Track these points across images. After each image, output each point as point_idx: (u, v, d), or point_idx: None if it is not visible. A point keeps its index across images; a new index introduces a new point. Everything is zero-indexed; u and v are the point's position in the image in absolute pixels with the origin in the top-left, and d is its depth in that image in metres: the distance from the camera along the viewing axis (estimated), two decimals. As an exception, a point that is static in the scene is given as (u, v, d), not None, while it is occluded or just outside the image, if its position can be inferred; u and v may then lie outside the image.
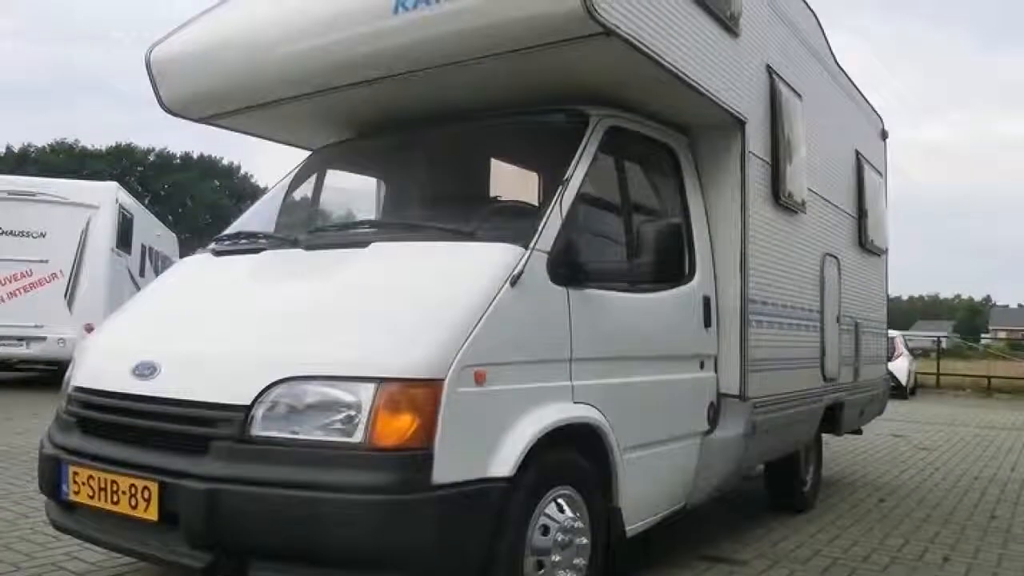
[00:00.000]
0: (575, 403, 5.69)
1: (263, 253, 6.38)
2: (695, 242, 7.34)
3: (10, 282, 21.69)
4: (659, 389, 6.76)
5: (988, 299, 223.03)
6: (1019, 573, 7.97)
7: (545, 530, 5.33)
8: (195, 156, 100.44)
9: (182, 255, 20.11)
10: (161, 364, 5.25)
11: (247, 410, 4.79)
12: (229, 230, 7.26)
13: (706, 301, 7.39)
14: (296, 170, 7.96)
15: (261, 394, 4.78)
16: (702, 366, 7.45)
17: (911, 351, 38.50)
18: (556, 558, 5.38)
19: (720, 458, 7.40)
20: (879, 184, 12.92)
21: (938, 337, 56.45)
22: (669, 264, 6.00)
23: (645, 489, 6.47)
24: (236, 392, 4.86)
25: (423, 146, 7.54)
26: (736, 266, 7.58)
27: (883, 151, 13.73)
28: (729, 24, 7.41)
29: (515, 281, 5.21)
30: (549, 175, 6.42)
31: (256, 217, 7.69)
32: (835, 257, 10.49)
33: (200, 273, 6.69)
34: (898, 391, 28.17)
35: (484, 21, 5.81)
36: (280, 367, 4.83)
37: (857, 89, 12.25)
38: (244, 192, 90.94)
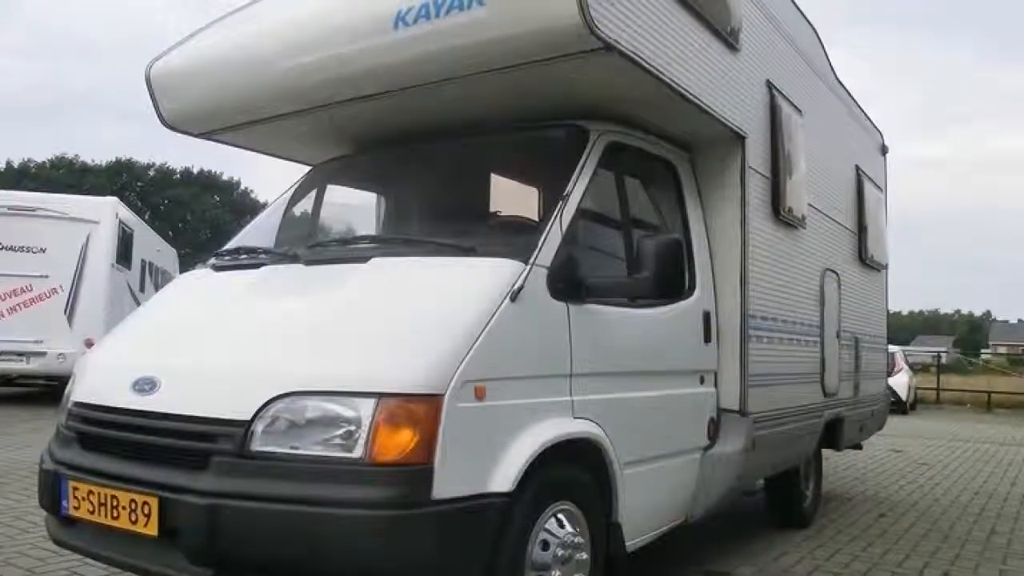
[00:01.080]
0: (575, 418, 5.68)
1: (263, 268, 6.37)
2: (695, 257, 7.36)
3: (10, 297, 21.69)
4: (659, 404, 6.76)
5: (988, 314, 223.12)
6: (1019, 588, 7.99)
7: (545, 545, 5.32)
8: (195, 171, 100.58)
9: (182, 270, 20.15)
10: (161, 379, 5.25)
11: (247, 425, 4.77)
12: (229, 245, 7.25)
13: (706, 316, 7.39)
14: (296, 185, 7.96)
15: (261, 409, 4.77)
16: (702, 381, 7.44)
17: (911, 366, 38.53)
18: (556, 573, 5.36)
19: (720, 473, 7.39)
20: (879, 199, 12.94)
21: (938, 352, 56.53)
22: (669, 279, 5.98)
23: (645, 504, 6.46)
24: (236, 407, 4.85)
25: (423, 161, 7.52)
26: (736, 281, 7.59)
27: (883, 166, 13.77)
28: (729, 39, 7.44)
29: (515, 296, 5.20)
30: (549, 190, 6.41)
31: (256, 232, 7.68)
32: (835, 272, 10.50)
33: (200, 288, 6.68)
34: (898, 406, 28.22)
35: (485, 36, 5.82)
36: (280, 382, 4.83)
37: (857, 104, 12.28)
38: (244, 207, 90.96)
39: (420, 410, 4.66)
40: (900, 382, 31.15)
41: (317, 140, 8.04)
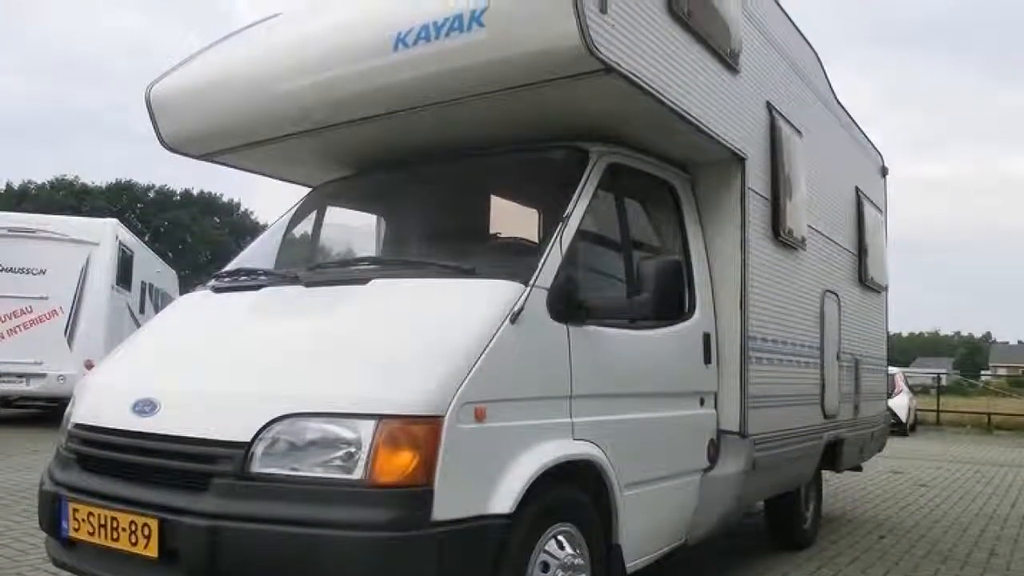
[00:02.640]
0: (575, 440, 5.67)
1: (263, 290, 6.37)
2: (695, 279, 7.36)
3: (10, 319, 21.68)
4: (659, 426, 6.75)
5: (988, 335, 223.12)
6: (1019, 610, 7.97)
7: (545, 567, 5.31)
8: (195, 193, 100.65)
9: (182, 292, 20.15)
10: (161, 401, 5.24)
11: (247, 447, 4.77)
12: (229, 267, 7.26)
13: (706, 338, 7.39)
14: (296, 207, 7.97)
15: (261, 431, 4.77)
16: (702, 403, 7.44)
17: (911, 388, 38.45)
18: (557, 595, 5.36)
19: (720, 495, 7.39)
20: (879, 220, 12.95)
21: (938, 374, 56.39)
22: (669, 301, 5.99)
23: (645, 526, 6.46)
24: (236, 429, 4.84)
25: (423, 182, 7.54)
26: (736, 303, 7.59)
27: (883, 187, 13.78)
28: (729, 61, 7.44)
29: (515, 318, 5.21)
30: (549, 212, 6.41)
31: (256, 253, 7.69)
32: (835, 294, 10.50)
33: (200, 310, 6.69)
34: (898, 428, 28.15)
35: (484, 58, 5.83)
36: (280, 404, 4.82)
37: (857, 125, 12.31)
38: (244, 229, 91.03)
39: (420, 432, 4.66)
40: (900, 404, 31.06)
41: (317, 161, 8.05)
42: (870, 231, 12.17)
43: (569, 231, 5.89)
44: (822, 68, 10.69)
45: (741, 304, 7.59)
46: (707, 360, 7.41)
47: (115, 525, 5.06)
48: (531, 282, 5.43)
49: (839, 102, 11.39)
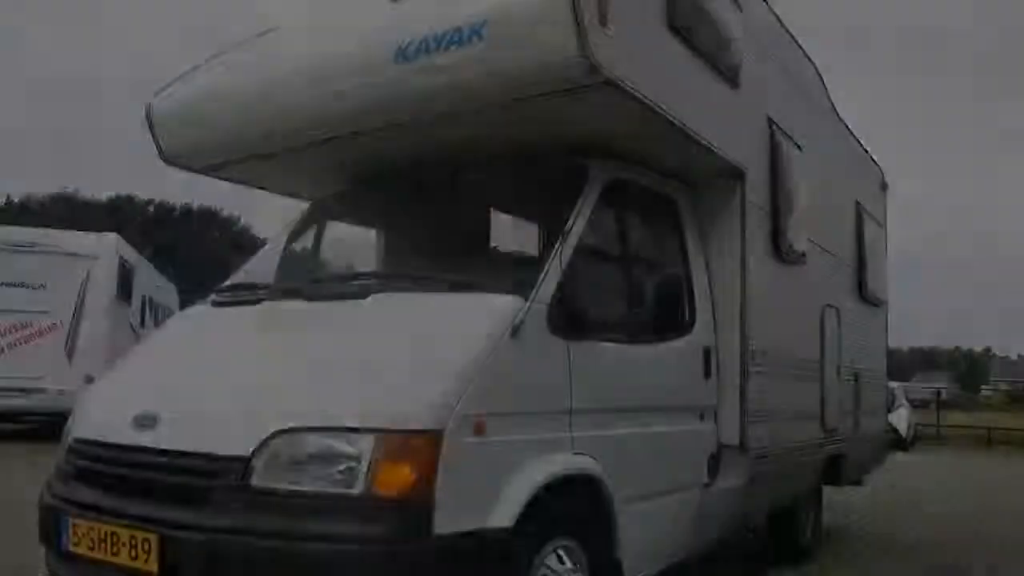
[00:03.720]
0: (575, 454, 5.66)
1: (263, 304, 6.37)
2: (695, 293, 7.34)
3: (10, 333, 21.64)
4: (659, 440, 6.73)
5: (988, 350, 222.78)
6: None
7: (545, 582, 5.30)
8: (194, 207, 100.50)
9: (182, 306, 20.15)
10: (161, 415, 5.23)
11: (247, 461, 4.76)
12: (229, 281, 7.25)
13: (706, 352, 7.38)
14: (295, 221, 7.96)
15: (261, 445, 4.76)
16: (702, 417, 7.43)
17: (911, 402, 38.44)
18: (556, 610, 5.33)
19: (721, 509, 7.38)
20: (879, 235, 12.95)
21: (938, 388, 56.41)
22: (669, 315, 6.01)
23: (645, 540, 6.43)
24: (236, 443, 4.83)
25: (423, 196, 7.52)
26: (736, 317, 7.58)
27: (883, 202, 13.77)
28: (729, 75, 7.43)
29: (515, 332, 5.21)
30: (549, 226, 6.39)
31: (256, 268, 7.66)
32: (835, 308, 10.49)
33: (200, 324, 6.69)
34: (898, 442, 28.13)
35: (485, 71, 5.81)
36: (280, 418, 4.81)
37: (857, 140, 12.29)
38: (243, 243, 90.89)
39: (420, 446, 4.65)
40: (900, 418, 31.10)
41: (316, 175, 8.03)
42: (870, 245, 12.17)
43: (569, 245, 5.90)
44: (823, 82, 10.69)
45: (741, 318, 7.58)
46: (707, 374, 7.39)
47: (115, 540, 5.05)
48: (531, 297, 5.43)
49: (839, 116, 11.39)
